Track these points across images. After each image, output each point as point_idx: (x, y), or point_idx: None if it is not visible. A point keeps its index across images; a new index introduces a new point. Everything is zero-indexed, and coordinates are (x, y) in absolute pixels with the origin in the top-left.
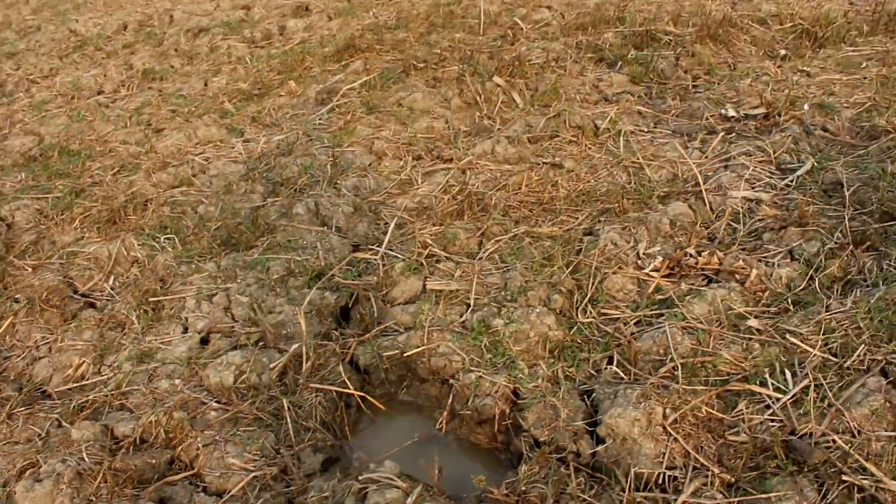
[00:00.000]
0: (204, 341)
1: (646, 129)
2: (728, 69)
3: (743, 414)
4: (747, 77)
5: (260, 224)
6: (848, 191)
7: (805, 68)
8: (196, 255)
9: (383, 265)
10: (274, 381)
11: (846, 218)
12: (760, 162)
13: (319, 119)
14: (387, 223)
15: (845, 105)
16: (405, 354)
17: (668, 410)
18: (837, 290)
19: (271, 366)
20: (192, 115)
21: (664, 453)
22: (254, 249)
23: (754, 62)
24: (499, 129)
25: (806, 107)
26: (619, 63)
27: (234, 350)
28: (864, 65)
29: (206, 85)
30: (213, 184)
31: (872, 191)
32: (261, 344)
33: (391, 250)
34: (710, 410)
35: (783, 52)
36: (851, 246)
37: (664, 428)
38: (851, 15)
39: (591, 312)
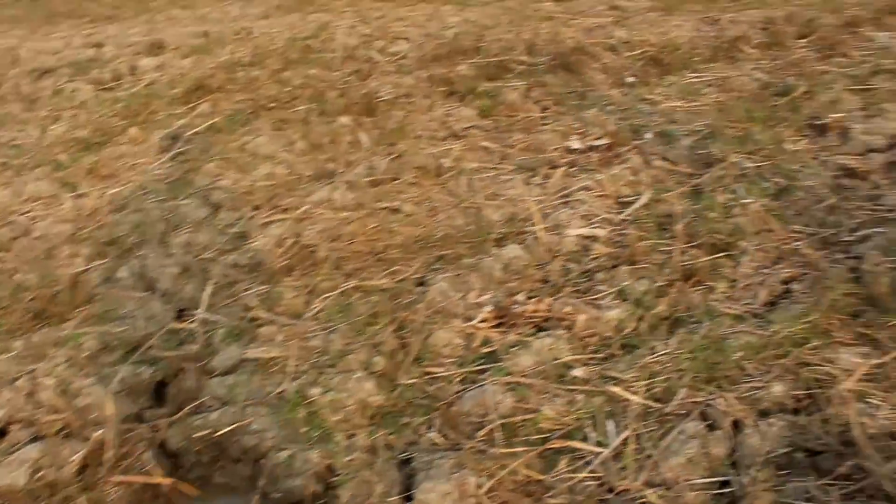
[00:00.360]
0: (2, 434)
1: (490, 166)
2: (578, 99)
3: (562, 473)
4: (594, 107)
5: (79, 292)
6: (679, 223)
7: (650, 96)
8: (5, 331)
9: (204, 332)
10: (73, 477)
11: (676, 252)
12: (599, 196)
13: (159, 169)
14: (215, 283)
15: (685, 133)
16: (217, 434)
17: (482, 478)
18: (664, 331)
19: (71, 459)
20: (23, 168)
21: None
22: (69, 322)
23: (603, 90)
24: (341, 172)
25: (648, 135)
26: (470, 96)
27: (33, 442)
28: (705, 91)
29: (43, 133)
30: (36, 247)
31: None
32: (65, 433)
33: (215, 314)
34: (529, 473)
35: (631, 79)
36: (680, 282)
37: (477, 498)
38: (697, 41)
39: (414, 373)
